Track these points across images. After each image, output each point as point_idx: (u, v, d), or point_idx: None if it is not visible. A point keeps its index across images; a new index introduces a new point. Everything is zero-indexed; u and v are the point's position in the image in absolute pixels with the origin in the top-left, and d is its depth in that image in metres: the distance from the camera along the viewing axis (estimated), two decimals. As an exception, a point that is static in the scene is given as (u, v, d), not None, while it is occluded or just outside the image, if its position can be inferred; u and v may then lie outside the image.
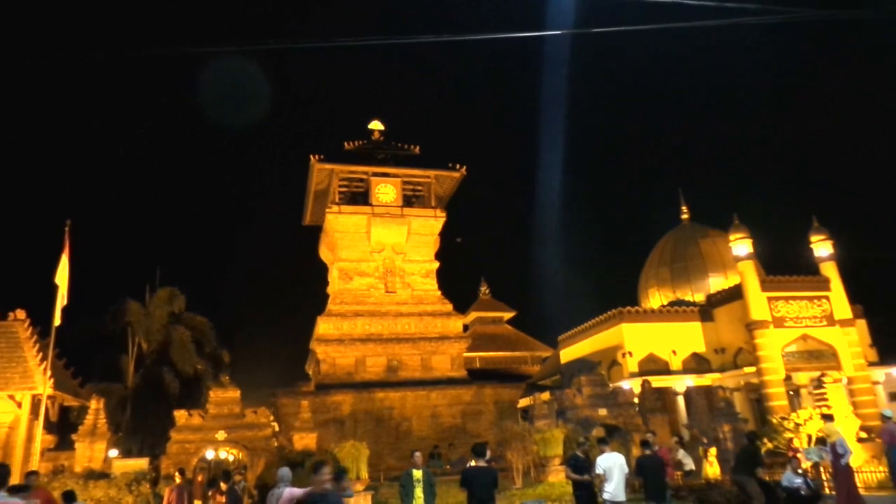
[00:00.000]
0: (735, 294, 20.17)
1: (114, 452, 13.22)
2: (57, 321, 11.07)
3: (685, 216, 26.85)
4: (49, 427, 12.48)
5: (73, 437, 12.56)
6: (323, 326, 21.12)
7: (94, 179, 51.95)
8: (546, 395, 17.26)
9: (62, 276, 11.38)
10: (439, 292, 22.79)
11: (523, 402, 19.81)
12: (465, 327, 26.27)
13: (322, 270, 24.99)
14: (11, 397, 11.92)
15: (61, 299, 11.24)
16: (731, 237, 20.48)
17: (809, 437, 12.54)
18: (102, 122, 54.36)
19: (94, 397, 13.22)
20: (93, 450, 12.23)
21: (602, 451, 6.94)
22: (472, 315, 32.26)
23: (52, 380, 11.77)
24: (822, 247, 20.32)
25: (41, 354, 12.13)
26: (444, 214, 23.65)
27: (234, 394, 13.80)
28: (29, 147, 48.65)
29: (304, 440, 14.22)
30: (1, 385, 11.75)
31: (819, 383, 17.43)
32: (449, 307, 22.54)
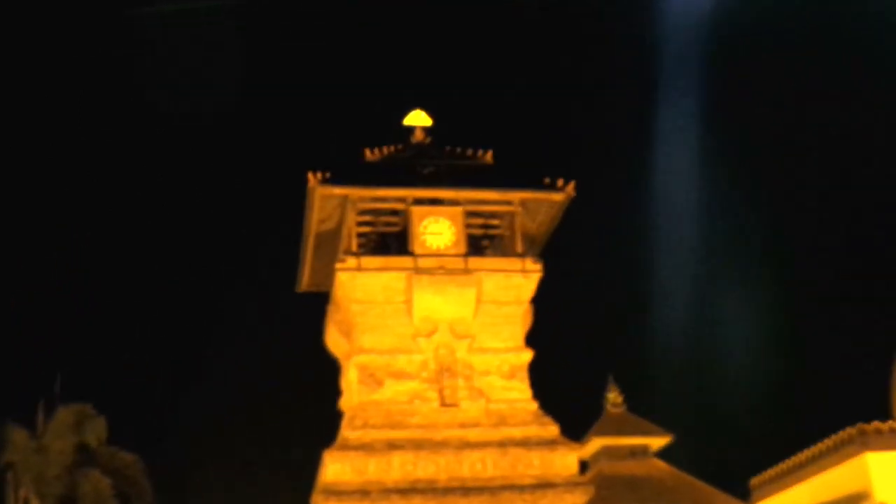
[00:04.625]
0: None
1: None
2: None
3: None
4: None
5: None
6: (333, 468, 19.91)
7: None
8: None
9: None
10: (535, 404, 21.53)
11: None
12: (584, 465, 25.51)
13: (330, 370, 24.35)
14: None
15: None
16: None
17: None
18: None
19: None
20: None
21: None
22: (594, 443, 30.61)
23: None
24: None
25: None
26: (538, 266, 22.30)
27: None
28: None
29: None
30: None
31: None
32: (553, 430, 21.21)
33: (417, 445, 20.46)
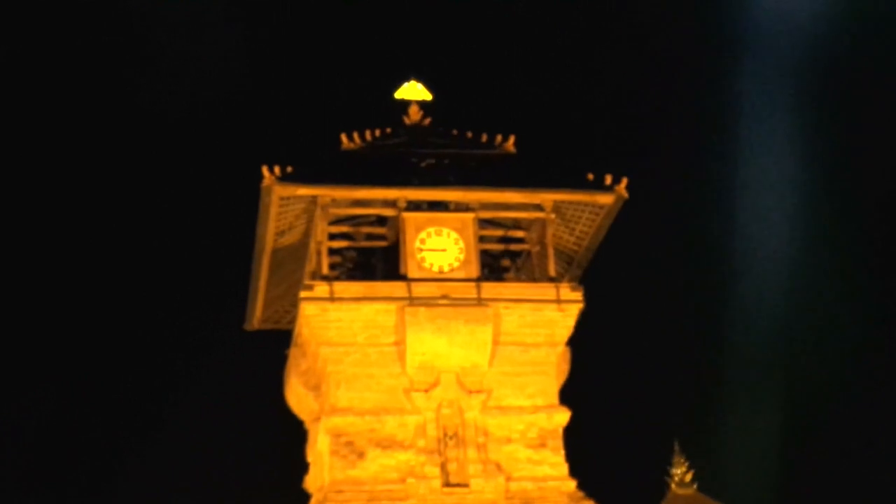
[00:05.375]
0: None
1: None
2: None
3: None
4: None
5: None
6: (298, 573, 18.83)
7: None
8: None
9: None
10: (573, 483, 19.71)
11: None
12: (640, 568, 23.41)
13: (293, 434, 23.25)
14: None
15: None
16: None
17: None
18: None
19: None
20: None
21: None
22: (656, 533, 28.98)
23: None
24: None
25: None
26: (579, 295, 20.43)
27: None
28: None
29: None
30: None
31: None
32: (599, 521, 20.40)
33: (410, 541, 20.06)
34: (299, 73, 50.04)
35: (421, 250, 20.00)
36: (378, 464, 19.02)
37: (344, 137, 21.72)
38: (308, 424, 21.74)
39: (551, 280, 20.40)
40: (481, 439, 19.41)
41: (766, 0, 38.23)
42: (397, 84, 23.22)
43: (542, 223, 20.79)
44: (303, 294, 19.48)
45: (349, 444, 19.14)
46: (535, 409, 19.77)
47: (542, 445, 19.60)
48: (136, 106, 45.98)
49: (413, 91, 22.99)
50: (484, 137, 22.19)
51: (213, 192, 41.83)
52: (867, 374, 40.52)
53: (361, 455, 19.02)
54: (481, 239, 20.78)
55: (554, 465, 19.61)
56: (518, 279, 22.01)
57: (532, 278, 21.17)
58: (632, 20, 51.12)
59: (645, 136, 47.00)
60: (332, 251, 20.39)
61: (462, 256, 20.07)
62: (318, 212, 20.05)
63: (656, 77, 50.94)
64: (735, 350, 40.79)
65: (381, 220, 21.01)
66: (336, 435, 19.24)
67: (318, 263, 20.01)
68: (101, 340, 44.59)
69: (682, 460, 29.26)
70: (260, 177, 19.39)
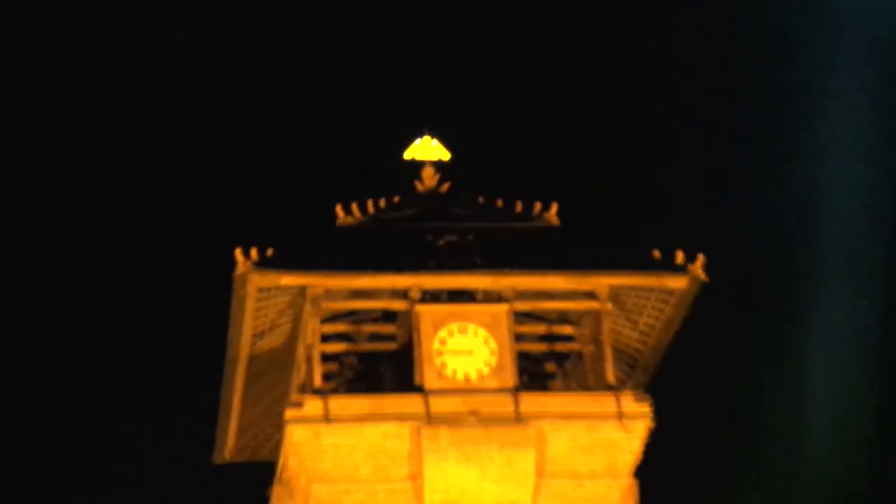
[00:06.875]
0: None
1: None
2: None
3: None
4: None
5: None
6: None
7: None
8: None
9: None
10: None
11: None
12: None
13: None
14: None
15: None
16: None
17: None
18: None
19: None
20: None
21: None
22: None
23: None
24: None
25: None
26: (646, 409, 17.91)
27: None
28: None
29: None
30: None
31: None
32: None
33: None
34: (285, 131, 47.34)
35: (441, 353, 17.39)
36: None
37: (340, 210, 19.35)
38: (297, 580, 19.97)
39: (610, 389, 17.69)
40: None
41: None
42: (407, 142, 21.23)
43: (597, 315, 18.22)
44: (289, 414, 16.80)
45: None
46: (587, 557, 18.05)
47: None
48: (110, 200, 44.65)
49: (427, 149, 20.89)
50: (518, 206, 19.92)
51: (178, 282, 39.25)
52: None
53: None
54: (518, 337, 18.16)
55: None
56: (567, 388, 19.65)
57: (585, 387, 18.72)
58: (684, 73, 49.17)
59: (718, 198, 44.26)
60: (326, 357, 17.91)
61: (494, 361, 17.40)
62: (308, 307, 17.49)
63: (726, 140, 48.93)
64: (830, 472, 38.55)
65: (389, 316, 18.59)
66: None
67: (309, 373, 17.44)
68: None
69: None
70: (232, 262, 16.77)
